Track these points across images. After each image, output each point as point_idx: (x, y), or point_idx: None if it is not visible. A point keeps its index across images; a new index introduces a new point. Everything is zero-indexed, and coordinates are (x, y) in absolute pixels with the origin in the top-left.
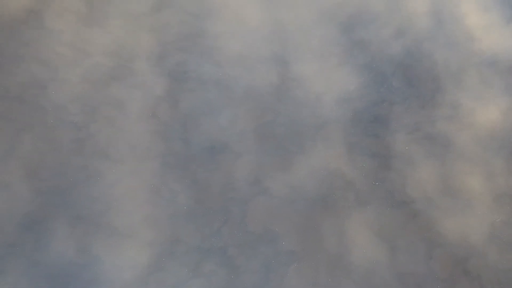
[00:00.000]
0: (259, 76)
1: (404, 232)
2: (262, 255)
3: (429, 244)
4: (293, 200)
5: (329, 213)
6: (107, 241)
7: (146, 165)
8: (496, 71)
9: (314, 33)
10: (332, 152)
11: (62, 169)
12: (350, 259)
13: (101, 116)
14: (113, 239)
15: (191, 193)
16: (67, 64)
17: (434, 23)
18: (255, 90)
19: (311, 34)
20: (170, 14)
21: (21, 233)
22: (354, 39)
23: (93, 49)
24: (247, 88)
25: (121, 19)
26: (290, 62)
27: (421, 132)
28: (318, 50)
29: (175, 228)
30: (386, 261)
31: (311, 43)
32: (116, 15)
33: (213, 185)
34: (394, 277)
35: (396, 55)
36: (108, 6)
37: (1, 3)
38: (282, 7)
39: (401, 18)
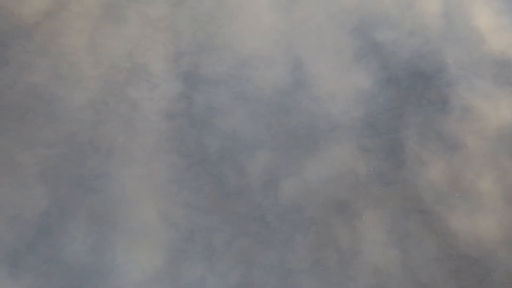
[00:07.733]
0: (273, 76)
1: (414, 227)
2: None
3: (441, 244)
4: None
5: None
6: (123, 241)
7: (162, 164)
8: (507, 73)
9: (328, 33)
10: (344, 149)
11: (78, 168)
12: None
13: (116, 117)
14: (129, 238)
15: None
16: (83, 66)
17: (445, 25)
18: (270, 89)
19: (325, 34)
20: (185, 15)
21: (37, 232)
22: (367, 40)
23: (109, 50)
24: (262, 88)
25: (136, 21)
26: (304, 63)
27: (433, 132)
28: (332, 50)
29: (191, 221)
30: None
31: (324, 43)
32: (132, 17)
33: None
34: (405, 271)
35: (408, 56)
36: (124, 9)
37: (18, 6)
38: (296, 8)
39: (413, 19)
